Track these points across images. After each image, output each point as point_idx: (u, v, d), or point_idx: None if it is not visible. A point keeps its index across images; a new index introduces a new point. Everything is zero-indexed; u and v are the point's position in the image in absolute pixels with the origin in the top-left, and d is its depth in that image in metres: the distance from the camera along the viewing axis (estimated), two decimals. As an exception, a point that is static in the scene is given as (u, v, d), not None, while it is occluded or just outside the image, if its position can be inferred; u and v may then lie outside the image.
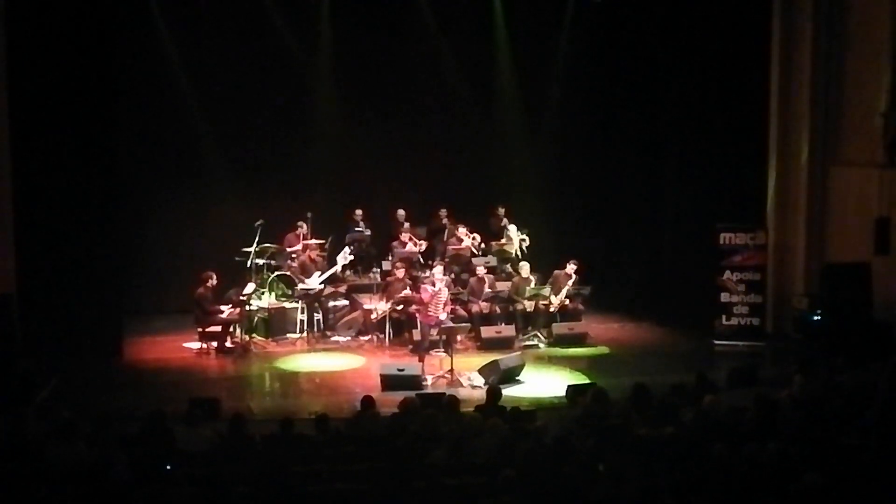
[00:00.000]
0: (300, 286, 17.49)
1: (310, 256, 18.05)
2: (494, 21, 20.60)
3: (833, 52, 17.05)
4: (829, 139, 17.26)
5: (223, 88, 19.07)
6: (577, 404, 12.06)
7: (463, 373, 15.11)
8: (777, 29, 17.53)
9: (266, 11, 19.16)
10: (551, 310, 17.61)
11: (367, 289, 18.23)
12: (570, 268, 17.80)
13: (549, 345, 17.29)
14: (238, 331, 17.00)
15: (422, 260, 19.15)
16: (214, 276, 16.66)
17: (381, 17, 19.61)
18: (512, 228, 19.41)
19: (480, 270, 18.02)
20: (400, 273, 17.37)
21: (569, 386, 13.83)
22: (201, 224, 19.18)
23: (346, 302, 18.14)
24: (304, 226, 18.56)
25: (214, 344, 16.67)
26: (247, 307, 17.01)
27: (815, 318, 16.43)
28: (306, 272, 17.70)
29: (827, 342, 15.44)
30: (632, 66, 19.42)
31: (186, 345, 17.01)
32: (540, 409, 12.86)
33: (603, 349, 17.19)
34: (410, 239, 19.18)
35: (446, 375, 14.98)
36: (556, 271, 17.95)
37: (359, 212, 19.57)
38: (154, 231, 18.88)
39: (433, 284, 16.25)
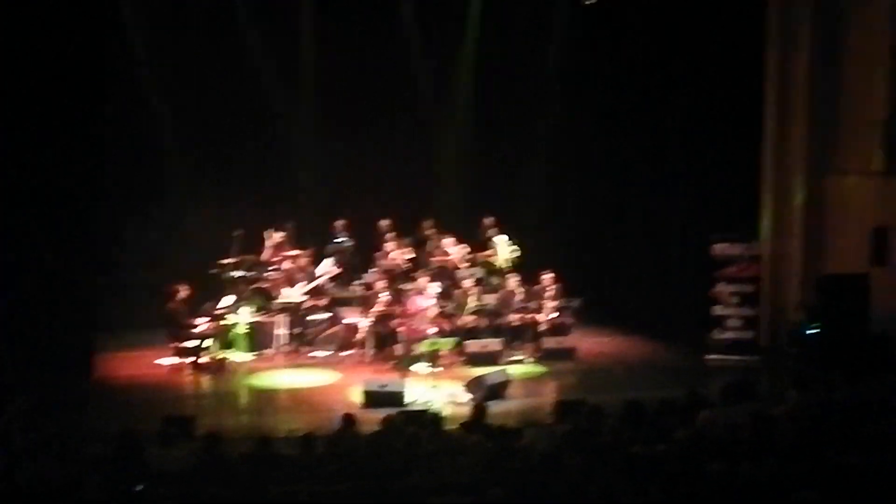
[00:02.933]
0: (281, 298, 17.03)
1: (299, 265, 17.59)
2: (482, 27, 20.27)
3: (830, 59, 16.77)
4: (826, 147, 16.95)
5: (197, 96, 18.68)
6: (566, 421, 11.68)
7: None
8: (773, 36, 17.25)
9: (243, 19, 18.83)
10: (539, 328, 17.20)
11: (348, 302, 17.82)
12: (546, 278, 17.46)
13: (537, 360, 16.88)
14: (214, 346, 16.56)
15: (411, 265, 18.65)
16: (183, 288, 16.22)
17: (363, 25, 19.33)
18: (500, 239, 18.96)
19: (466, 283, 17.59)
20: (378, 286, 16.91)
21: (557, 402, 13.40)
22: (175, 235, 18.79)
23: (326, 315, 17.70)
24: (282, 235, 18.06)
25: (189, 360, 16.23)
26: (223, 321, 16.56)
27: (811, 331, 15.97)
28: (292, 282, 17.26)
29: (823, 356, 15.07)
30: (625, 73, 19.11)
31: (159, 361, 16.58)
32: (527, 427, 12.37)
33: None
34: (398, 247, 18.70)
35: (430, 391, 14.56)
36: (534, 287, 17.58)
37: (339, 222, 19.10)
38: (126, 243, 18.35)
39: (421, 296, 15.88)
